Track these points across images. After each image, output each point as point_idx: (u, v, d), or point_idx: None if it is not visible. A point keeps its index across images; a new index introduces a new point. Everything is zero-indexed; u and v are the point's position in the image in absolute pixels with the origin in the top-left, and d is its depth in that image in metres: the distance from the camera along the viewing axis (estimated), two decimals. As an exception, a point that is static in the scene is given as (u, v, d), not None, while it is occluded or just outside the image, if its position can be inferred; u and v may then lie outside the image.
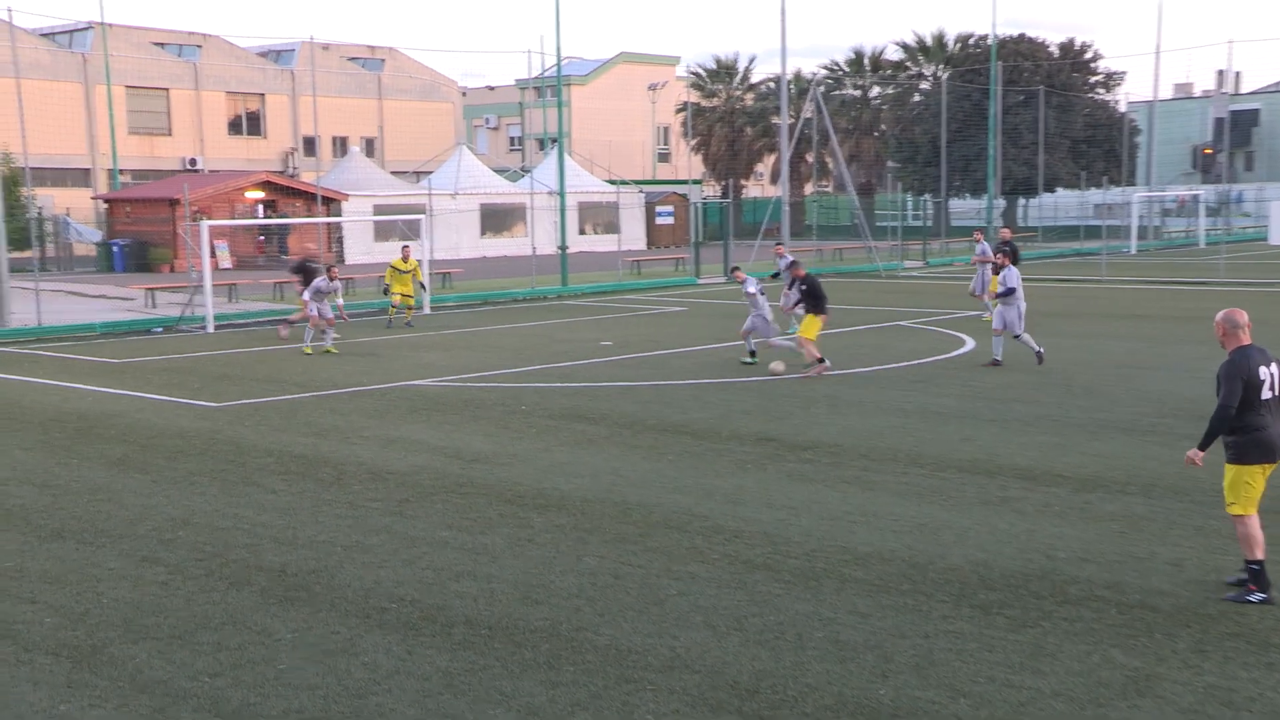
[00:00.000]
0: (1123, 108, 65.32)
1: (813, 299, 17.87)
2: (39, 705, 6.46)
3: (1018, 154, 57.89)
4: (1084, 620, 7.46)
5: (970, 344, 21.07)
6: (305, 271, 23.78)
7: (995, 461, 11.84)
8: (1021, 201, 64.26)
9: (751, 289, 18.41)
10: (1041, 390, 16.06)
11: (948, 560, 8.70)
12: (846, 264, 43.88)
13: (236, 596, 8.13)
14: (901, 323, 24.80)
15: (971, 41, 64.64)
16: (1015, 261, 25.82)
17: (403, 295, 25.33)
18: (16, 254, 35.69)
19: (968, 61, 62.17)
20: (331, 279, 21.38)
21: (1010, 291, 18.25)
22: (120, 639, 7.37)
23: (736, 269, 19.80)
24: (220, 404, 15.91)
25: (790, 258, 20.25)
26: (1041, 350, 18.26)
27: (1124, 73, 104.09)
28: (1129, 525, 9.56)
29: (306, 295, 21.15)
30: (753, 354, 18.56)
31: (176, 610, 7.86)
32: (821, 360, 17.58)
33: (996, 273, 19.20)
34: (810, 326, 17.76)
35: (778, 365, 17.61)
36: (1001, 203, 58.23)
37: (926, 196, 58.41)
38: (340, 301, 21.87)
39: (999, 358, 18.23)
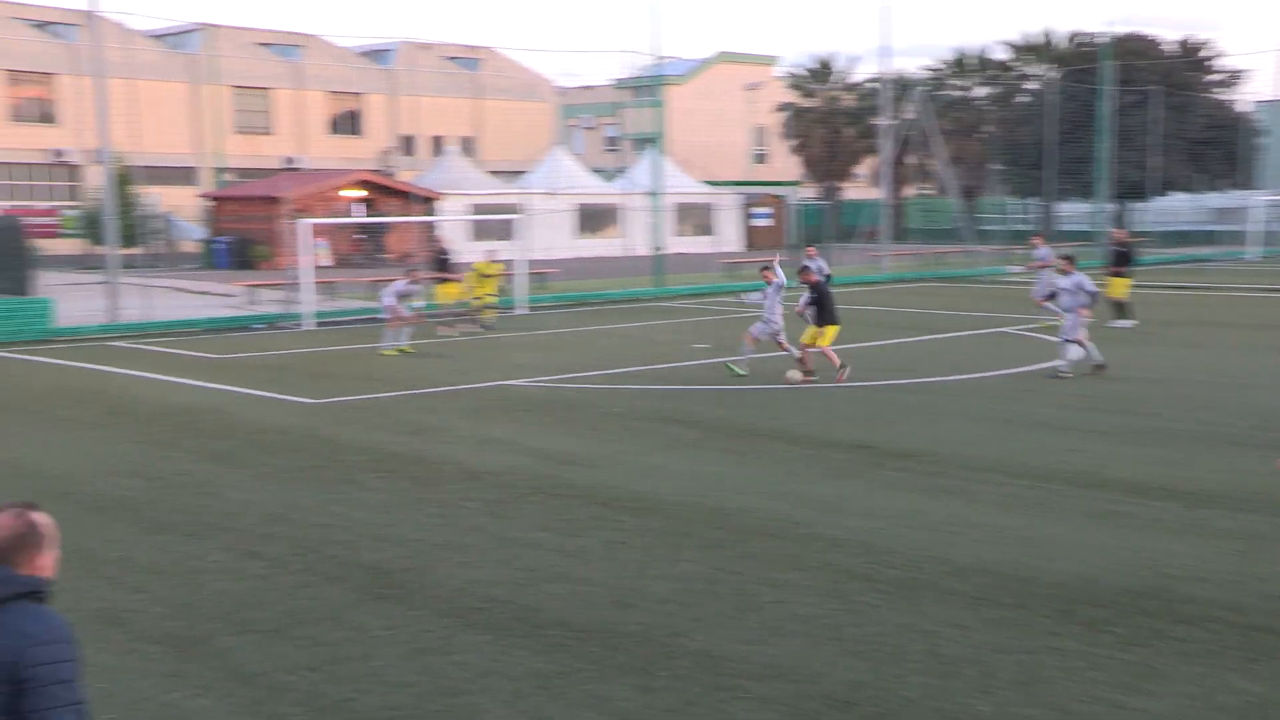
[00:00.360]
0: (1245, 107, 63.42)
1: (821, 308, 17.54)
2: (146, 693, 6.67)
3: (1129, 156, 56.55)
4: (1199, 641, 7.27)
5: (1076, 351, 20.61)
6: (443, 265, 24.52)
7: (1103, 474, 11.58)
8: (1133, 205, 62.78)
9: (772, 290, 18.08)
10: (1154, 402, 15.68)
11: (1052, 574, 8.54)
12: (948, 268, 43.28)
13: (333, 592, 8.30)
14: (1005, 329, 24.40)
15: (1081, 40, 63.33)
16: (1129, 263, 25.23)
17: (484, 296, 25.45)
18: (126, 250, 36.82)
19: (1077, 61, 60.89)
20: (414, 281, 21.71)
21: (1095, 295, 17.74)
22: (222, 631, 7.58)
23: (767, 269, 19.36)
24: (318, 401, 16.24)
25: (810, 263, 20.07)
26: (1065, 369, 17.62)
27: (1246, 71, 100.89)
28: (1249, 544, 9.28)
29: (389, 299, 21.39)
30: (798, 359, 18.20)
31: (275, 604, 8.05)
32: (810, 374, 17.31)
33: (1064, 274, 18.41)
34: (827, 337, 17.43)
35: (794, 374, 17.30)
36: (1111, 207, 56.92)
37: (1032, 200, 57.37)
38: (419, 304, 22.19)
39: (1100, 361, 17.79)
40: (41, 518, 3.72)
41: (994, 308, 29.19)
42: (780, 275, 18.13)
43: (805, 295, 17.93)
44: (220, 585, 8.46)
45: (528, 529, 9.82)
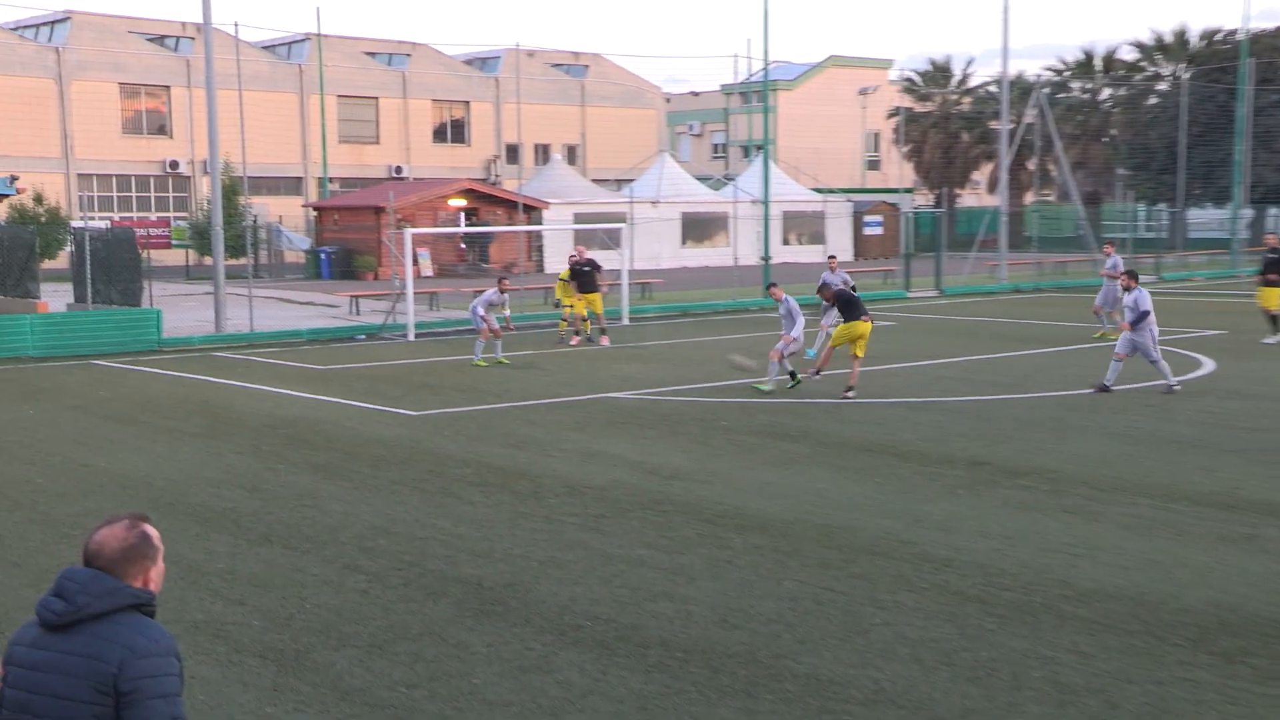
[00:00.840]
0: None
1: (845, 311, 17.46)
2: (248, 706, 6.82)
3: (1269, 158, 54.75)
4: (1341, 675, 6.97)
5: (1209, 365, 20.03)
6: (580, 276, 24.68)
7: (1238, 495, 11.20)
8: (1273, 211, 60.80)
9: (789, 308, 17.81)
10: (1292, 418, 15.12)
11: (1182, 601, 8.27)
12: (1069, 278, 42.33)
13: (433, 608, 8.39)
14: (1132, 341, 23.72)
15: (1218, 38, 61.56)
16: None
17: (572, 307, 25.45)
18: (232, 261, 37.86)
19: (1213, 59, 59.20)
20: (502, 291, 21.99)
21: (1144, 315, 17.10)
22: (322, 645, 7.71)
23: (774, 285, 18.94)
24: (420, 413, 16.48)
25: (830, 277, 19.90)
26: (1176, 385, 17.07)
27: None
28: (1394, 571, 8.89)
29: (479, 308, 21.60)
30: (793, 374, 17.93)
31: (375, 619, 8.16)
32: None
33: (1127, 290, 17.79)
34: (840, 334, 17.53)
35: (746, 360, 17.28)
36: (1249, 212, 55.19)
37: (1161, 206, 55.91)
38: (508, 313, 22.46)
39: (1109, 383, 17.18)
40: (152, 530, 3.81)
41: (1117, 319, 28.42)
42: (820, 290, 18.14)
43: (829, 314, 17.73)
44: (321, 599, 8.62)
45: (630, 545, 9.83)
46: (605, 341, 24.31)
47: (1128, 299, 17.60)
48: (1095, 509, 10.81)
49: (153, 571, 3.77)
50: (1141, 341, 17.17)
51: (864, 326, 17.35)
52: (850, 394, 16.92)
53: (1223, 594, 8.42)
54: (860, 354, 17.42)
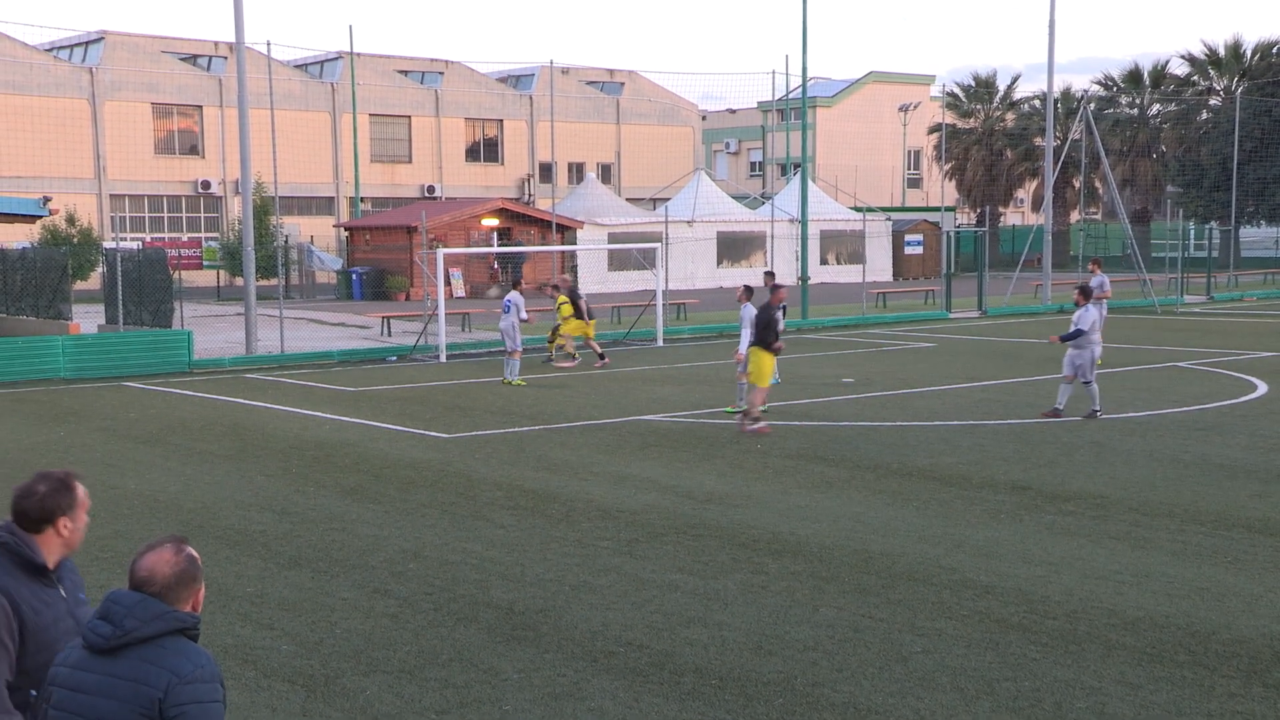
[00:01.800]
0: None
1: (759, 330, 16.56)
2: (273, 731, 6.87)
3: (1324, 175, 54.28)
4: (1397, 708, 6.88)
5: (1263, 388, 19.83)
6: (577, 304, 25.01)
7: (1290, 522, 11.08)
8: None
9: (744, 316, 17.48)
10: (1347, 442, 14.95)
11: (1234, 630, 8.19)
12: (1117, 299, 41.99)
13: (464, 633, 8.43)
14: (1180, 364, 23.59)
15: (1275, 51, 61.06)
16: None
17: (561, 334, 25.30)
18: (263, 281, 38.21)
19: (1269, 73, 58.77)
20: (521, 292, 22.94)
21: (1077, 334, 16.89)
22: (352, 670, 7.76)
23: (747, 288, 18.63)
24: (451, 435, 16.57)
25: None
26: (1098, 409, 16.83)
27: None
28: None
29: (523, 313, 22.29)
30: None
31: (405, 644, 8.21)
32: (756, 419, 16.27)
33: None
34: (760, 369, 16.23)
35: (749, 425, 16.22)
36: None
37: (1213, 224, 55.47)
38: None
39: (1060, 406, 16.99)
40: (195, 552, 3.89)
41: (1166, 340, 28.25)
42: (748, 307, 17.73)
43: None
44: (350, 623, 8.67)
45: (664, 570, 9.83)
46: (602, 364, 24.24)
47: (1076, 314, 17.37)
48: (1142, 535, 10.73)
49: (199, 595, 3.85)
50: (1082, 361, 16.99)
51: (757, 357, 16.48)
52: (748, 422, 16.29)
53: (1276, 624, 8.33)
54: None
